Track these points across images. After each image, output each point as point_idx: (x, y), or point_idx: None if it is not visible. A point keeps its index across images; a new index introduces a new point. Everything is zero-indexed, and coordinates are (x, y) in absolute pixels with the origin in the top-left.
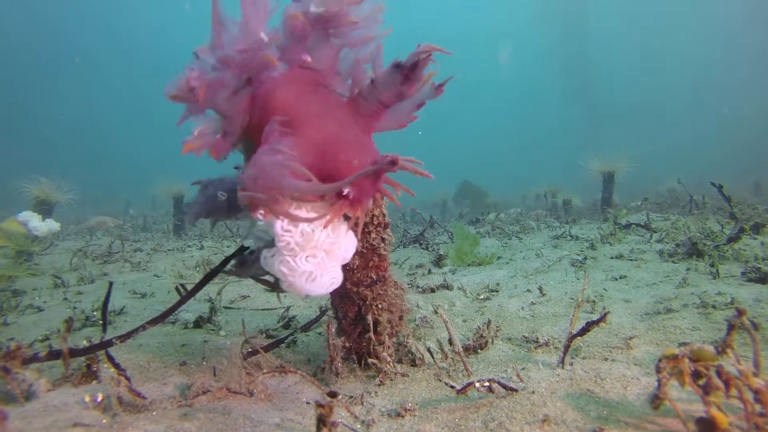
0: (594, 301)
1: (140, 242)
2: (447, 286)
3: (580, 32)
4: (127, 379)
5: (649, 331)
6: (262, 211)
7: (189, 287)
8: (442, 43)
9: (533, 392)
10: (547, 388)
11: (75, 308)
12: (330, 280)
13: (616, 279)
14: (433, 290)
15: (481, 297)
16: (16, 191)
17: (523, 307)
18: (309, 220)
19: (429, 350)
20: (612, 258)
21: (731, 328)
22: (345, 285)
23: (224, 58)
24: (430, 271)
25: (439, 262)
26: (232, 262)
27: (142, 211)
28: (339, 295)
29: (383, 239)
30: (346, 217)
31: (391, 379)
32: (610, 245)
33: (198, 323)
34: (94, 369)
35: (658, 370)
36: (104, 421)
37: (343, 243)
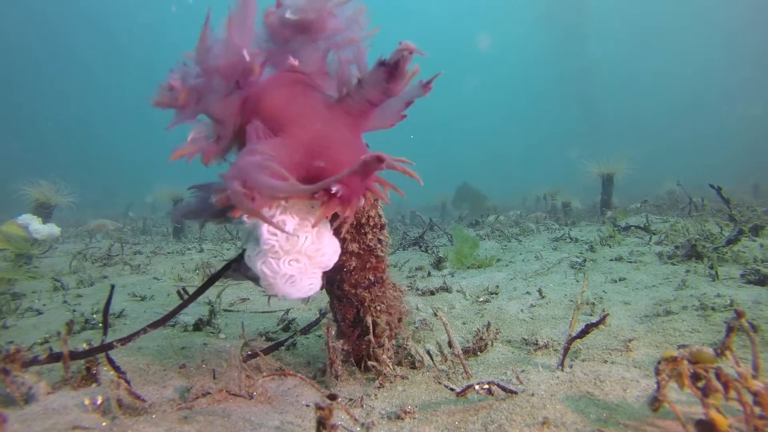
0: (593, 304)
1: (140, 245)
2: (446, 289)
3: (579, 35)
4: (127, 381)
5: (648, 334)
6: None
7: (189, 290)
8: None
9: (533, 395)
10: (546, 391)
11: (74, 311)
12: (309, 285)
13: (616, 281)
14: (432, 293)
15: (481, 299)
16: (15, 194)
17: (522, 310)
18: (286, 232)
19: (428, 353)
20: (611, 260)
21: (730, 330)
22: (343, 287)
23: (206, 68)
24: (429, 274)
25: (438, 264)
26: (234, 266)
27: (142, 214)
28: (337, 298)
29: (380, 240)
30: (334, 220)
31: (391, 382)
32: (610, 247)
33: (198, 326)
34: (94, 372)
35: (658, 373)
36: (104, 424)
37: (326, 250)
